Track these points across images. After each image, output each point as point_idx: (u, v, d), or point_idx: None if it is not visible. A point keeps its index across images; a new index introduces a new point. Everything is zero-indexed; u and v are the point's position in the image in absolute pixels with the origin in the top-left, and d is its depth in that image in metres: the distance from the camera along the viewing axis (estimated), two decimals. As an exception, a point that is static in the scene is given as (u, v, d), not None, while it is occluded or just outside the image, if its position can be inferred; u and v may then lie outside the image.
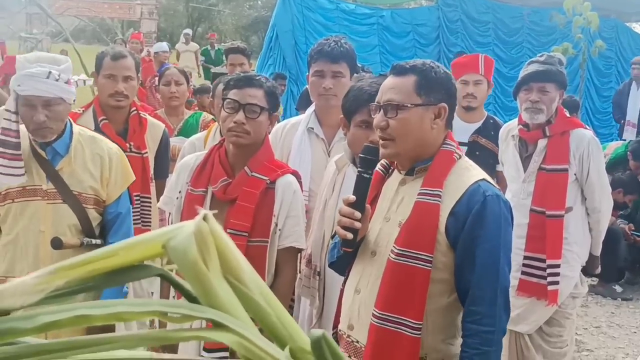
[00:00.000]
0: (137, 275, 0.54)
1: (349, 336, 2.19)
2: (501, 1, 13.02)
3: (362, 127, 2.60)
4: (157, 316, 0.51)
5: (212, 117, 4.50)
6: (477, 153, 4.01)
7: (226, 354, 2.49)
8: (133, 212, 3.10)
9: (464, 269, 2.04)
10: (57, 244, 2.60)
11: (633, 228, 6.49)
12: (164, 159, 3.80)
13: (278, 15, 10.88)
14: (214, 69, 14.55)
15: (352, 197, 2.07)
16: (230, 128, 2.60)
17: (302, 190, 2.77)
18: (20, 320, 0.49)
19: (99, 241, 2.77)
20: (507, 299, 2.08)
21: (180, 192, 2.74)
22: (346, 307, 2.23)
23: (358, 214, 2.06)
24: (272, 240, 2.62)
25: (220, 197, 2.62)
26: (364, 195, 2.10)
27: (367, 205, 2.11)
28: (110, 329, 2.18)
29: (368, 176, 2.10)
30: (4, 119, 2.60)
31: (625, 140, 8.47)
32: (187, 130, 4.46)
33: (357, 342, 2.16)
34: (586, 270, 3.79)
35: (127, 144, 3.46)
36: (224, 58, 13.40)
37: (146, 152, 3.58)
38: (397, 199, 2.16)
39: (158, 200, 3.12)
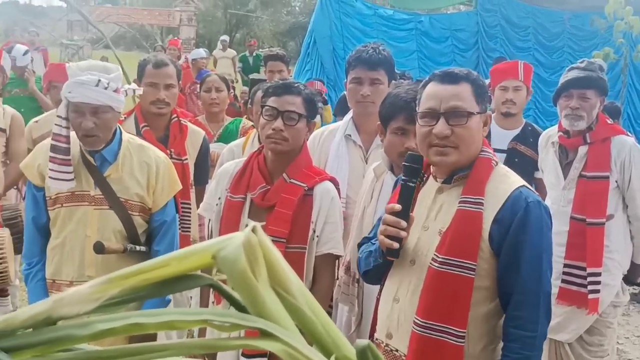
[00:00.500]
0: (188, 285, 0.55)
1: (387, 345, 2.19)
2: (541, 5, 12.86)
3: (398, 134, 2.61)
4: (207, 325, 0.52)
5: (251, 123, 4.53)
6: (516, 160, 3.97)
7: (264, 359, 2.51)
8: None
9: (508, 275, 2.04)
10: (99, 248, 2.64)
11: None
12: (204, 165, 3.85)
13: (316, 21, 10.90)
14: (252, 75, 14.63)
15: (398, 206, 2.07)
16: (268, 135, 2.63)
17: (339, 197, 2.78)
18: (76, 327, 0.51)
19: (143, 248, 2.81)
20: (549, 303, 2.09)
21: (219, 198, 2.77)
22: (384, 316, 2.22)
23: (404, 223, 2.07)
24: (310, 246, 2.63)
25: (258, 203, 2.65)
26: (409, 204, 2.10)
27: (412, 214, 2.11)
28: (152, 337, 2.21)
29: (413, 184, 2.10)
30: (55, 124, 2.66)
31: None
32: (226, 137, 4.50)
33: (397, 350, 2.16)
34: (628, 279, 3.74)
35: (168, 151, 3.50)
36: (261, 64, 13.50)
37: (186, 159, 3.64)
38: (435, 207, 2.15)
39: (198, 207, 3.16)
